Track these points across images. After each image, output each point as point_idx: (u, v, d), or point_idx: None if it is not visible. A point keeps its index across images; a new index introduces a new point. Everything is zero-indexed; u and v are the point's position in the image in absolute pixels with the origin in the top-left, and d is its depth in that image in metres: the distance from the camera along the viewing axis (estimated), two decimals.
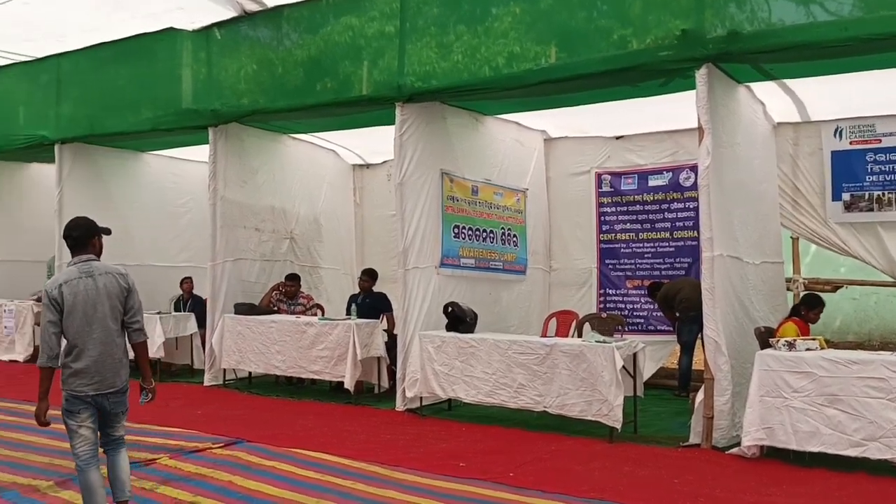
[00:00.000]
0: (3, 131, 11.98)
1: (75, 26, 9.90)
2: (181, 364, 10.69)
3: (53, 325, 4.30)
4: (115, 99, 10.64)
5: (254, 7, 9.09)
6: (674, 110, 7.91)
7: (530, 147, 10.26)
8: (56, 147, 11.35)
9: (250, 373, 9.62)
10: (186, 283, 11.17)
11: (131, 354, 4.65)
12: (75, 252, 4.50)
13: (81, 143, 11.42)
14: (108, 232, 4.74)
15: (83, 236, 4.50)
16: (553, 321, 9.47)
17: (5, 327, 11.91)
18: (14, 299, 12.09)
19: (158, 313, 10.21)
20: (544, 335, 8.61)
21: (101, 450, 4.59)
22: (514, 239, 9.78)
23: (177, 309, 11.01)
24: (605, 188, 10.27)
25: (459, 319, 7.82)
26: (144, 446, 6.54)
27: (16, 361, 11.59)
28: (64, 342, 4.34)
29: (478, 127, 9.28)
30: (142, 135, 10.76)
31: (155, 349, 9.86)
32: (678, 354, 9.23)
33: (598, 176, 10.31)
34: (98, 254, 4.56)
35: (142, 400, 4.77)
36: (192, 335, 10.50)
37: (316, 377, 8.89)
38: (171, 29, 9.81)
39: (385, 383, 8.79)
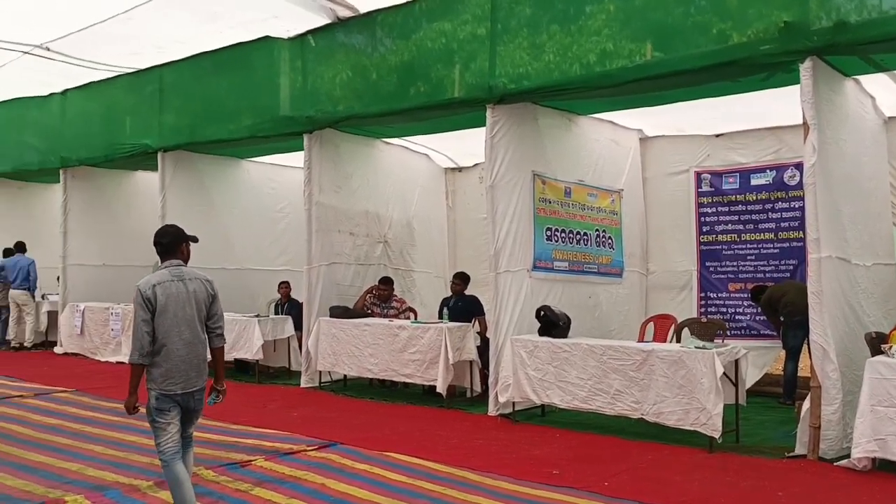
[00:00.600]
0: (110, 140, 12.48)
1: (175, 39, 10.20)
2: (279, 366, 10.87)
3: (146, 324, 4.49)
4: (214, 107, 10.94)
5: (346, 13, 9.16)
6: (776, 106, 7.59)
7: (625, 146, 10.04)
8: (159, 155, 11.75)
9: (345, 375, 9.70)
10: (283, 287, 11.38)
11: None
12: (164, 257, 4.77)
13: (183, 151, 11.79)
14: (195, 239, 4.99)
15: (172, 243, 4.81)
16: (650, 326, 9.22)
17: (112, 330, 12.36)
18: (121, 303, 12.56)
19: (257, 316, 10.42)
20: (641, 340, 8.38)
21: None
22: (609, 241, 9.57)
23: (276, 312, 11.22)
24: (705, 188, 9.96)
25: (552, 324, 7.68)
26: (242, 448, 6.67)
27: (122, 363, 11.99)
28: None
29: (570, 127, 9.13)
30: (240, 142, 11.03)
31: (254, 351, 10.09)
32: (783, 360, 8.85)
33: (698, 175, 10.01)
34: (186, 260, 4.81)
35: (211, 400, 4.94)
36: (289, 338, 10.66)
37: (408, 381, 8.89)
38: (266, 38, 10.01)
39: (478, 387, 8.72)
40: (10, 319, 13.73)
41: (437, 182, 12.66)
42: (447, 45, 8.36)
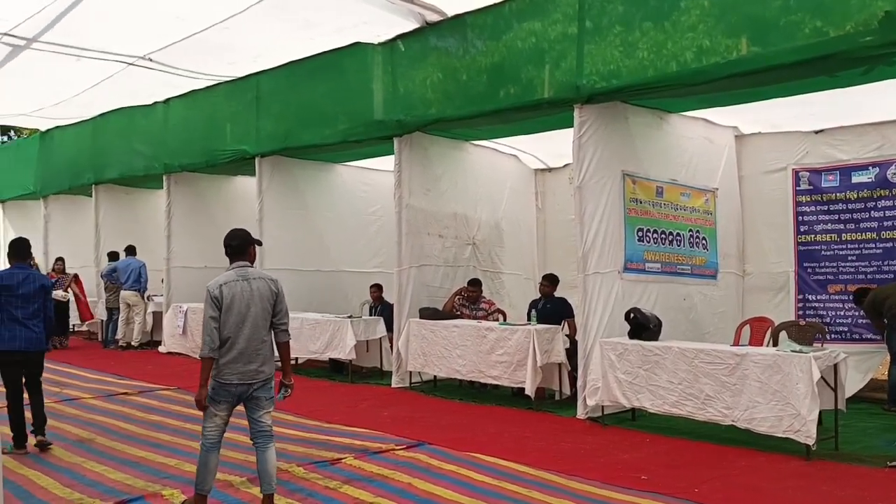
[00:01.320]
0: (211, 147, 12.92)
1: (270, 47, 10.50)
2: (371, 366, 11.04)
3: (214, 321, 4.91)
4: (308, 113, 11.19)
5: (434, 17, 9.25)
6: (879, 100, 7.27)
7: (720, 144, 9.79)
8: (256, 160, 12.10)
9: (435, 376, 9.77)
10: (374, 290, 11.53)
11: None
12: (233, 259, 5.17)
13: (279, 156, 12.11)
14: (259, 243, 5.41)
15: (241, 246, 5.20)
16: (746, 329, 8.95)
17: (178, 325, 12.84)
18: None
19: (350, 317, 10.61)
20: (736, 343, 8.15)
21: (251, 441, 5.18)
22: (703, 242, 9.35)
23: (369, 314, 11.39)
24: (804, 186, 9.61)
25: (643, 326, 7.56)
26: (332, 446, 6.81)
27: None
28: None
29: (662, 125, 8.96)
30: (333, 147, 11.26)
31: (347, 352, 10.28)
32: (888, 365, 8.46)
33: (796, 173, 9.67)
34: (252, 261, 5.21)
35: (280, 396, 5.26)
36: (381, 338, 10.81)
37: (496, 382, 8.89)
38: (358, 44, 10.19)
39: (566, 390, 8.66)
40: (120, 320, 14.36)
41: (526, 183, 12.62)
42: (537, 44, 8.33)
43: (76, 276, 15.11)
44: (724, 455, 6.49)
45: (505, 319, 9.98)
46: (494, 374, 8.74)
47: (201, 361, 4.96)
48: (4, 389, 6.97)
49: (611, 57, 7.70)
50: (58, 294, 13.62)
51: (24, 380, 7.02)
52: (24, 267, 7.01)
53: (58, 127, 16.81)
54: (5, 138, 25.98)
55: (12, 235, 19.71)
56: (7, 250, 7.22)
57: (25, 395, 7.01)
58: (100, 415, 8.35)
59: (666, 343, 7.32)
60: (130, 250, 14.31)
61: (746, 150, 10.10)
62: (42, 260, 17.52)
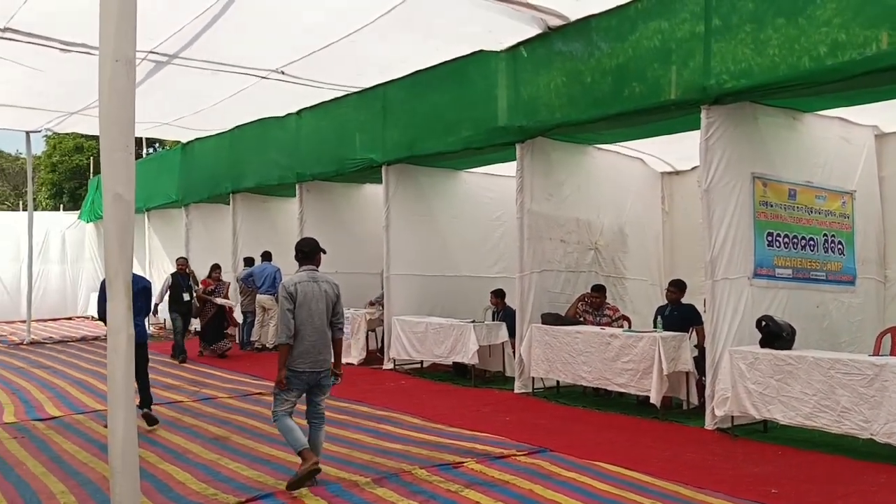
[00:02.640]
0: (341, 156, 13.30)
1: (395, 57, 10.72)
2: (494, 371, 11.08)
3: (290, 312, 5.78)
4: (433, 121, 11.36)
5: (557, 22, 9.21)
6: None
7: (858, 144, 9.31)
8: (383, 168, 12.38)
9: (558, 381, 9.71)
10: (494, 296, 11.54)
11: None
12: (303, 263, 6.04)
13: (405, 164, 12.35)
14: (324, 251, 6.21)
15: (311, 252, 6.08)
16: (887, 338, 8.45)
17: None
18: (350, 307, 13.32)
19: (472, 322, 10.70)
20: (876, 353, 7.72)
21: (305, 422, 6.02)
22: (839, 246, 8.90)
23: (492, 319, 11.43)
24: None
25: (775, 335, 7.27)
26: (454, 449, 6.87)
27: (350, 364, 12.73)
28: None
29: (795, 125, 8.61)
30: (457, 154, 11.38)
31: (470, 356, 10.37)
32: None
33: None
34: (318, 265, 6.09)
35: (331, 381, 6.10)
36: (503, 343, 10.84)
37: (621, 390, 8.75)
38: (481, 51, 10.28)
39: (694, 400, 8.43)
40: (256, 322, 14.99)
41: (651, 187, 12.37)
42: (663, 44, 8.16)
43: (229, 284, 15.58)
44: (861, 470, 6.16)
45: (630, 326, 9.81)
46: (620, 382, 8.61)
47: (280, 349, 5.82)
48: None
49: (740, 55, 7.45)
50: (221, 301, 14.20)
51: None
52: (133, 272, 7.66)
53: (198, 139, 17.75)
54: (151, 150, 27.55)
55: (157, 243, 20.97)
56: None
57: None
58: (235, 414, 8.74)
59: (800, 352, 7.01)
60: (266, 256, 14.89)
61: (888, 150, 9.59)
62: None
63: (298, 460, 5.96)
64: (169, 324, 19.31)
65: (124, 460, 2.80)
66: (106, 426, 3.48)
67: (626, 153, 11.57)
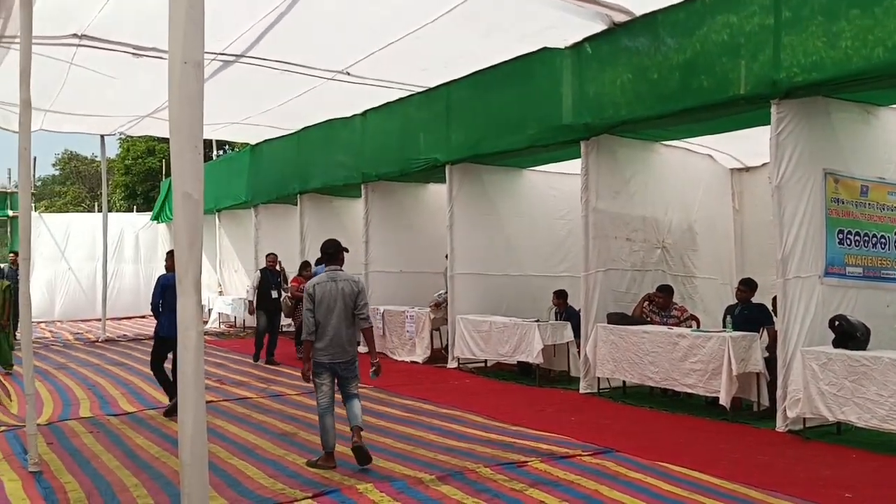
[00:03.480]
0: (405, 156, 13.38)
1: (459, 53, 10.71)
2: (559, 370, 11.00)
3: (310, 312, 6.40)
4: (496, 120, 11.33)
5: (622, 18, 9.11)
6: None
7: None
8: (447, 168, 12.41)
9: (624, 382, 9.60)
10: (556, 297, 11.44)
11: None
12: (328, 263, 6.63)
13: (468, 163, 12.35)
14: (347, 250, 6.84)
15: (334, 253, 6.64)
16: None
17: (407, 331, 13.22)
18: (415, 306, 13.40)
19: (536, 321, 10.64)
20: None
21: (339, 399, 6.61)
22: None
23: (556, 318, 11.36)
24: None
25: (848, 335, 7.05)
26: (519, 448, 6.85)
27: (416, 362, 12.81)
28: None
29: (869, 120, 8.33)
30: (521, 152, 11.35)
31: (534, 355, 10.32)
32: None
33: None
34: (341, 264, 6.65)
35: (372, 375, 6.63)
36: (568, 343, 10.75)
37: (689, 391, 8.60)
38: (545, 49, 10.22)
39: (765, 401, 8.22)
40: None
41: (721, 183, 12.14)
42: (732, 38, 7.99)
43: None
44: None
45: (698, 326, 9.63)
46: (689, 383, 8.46)
47: (304, 344, 6.57)
48: (152, 365, 8.97)
49: (811, 48, 7.25)
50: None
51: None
52: None
53: (266, 140, 18.06)
54: (220, 152, 28.14)
55: (227, 242, 21.40)
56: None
57: None
58: (302, 410, 8.86)
59: (875, 353, 6.79)
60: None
61: None
62: (253, 265, 18.87)
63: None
64: (239, 322, 19.79)
65: (193, 454, 2.86)
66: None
67: (694, 149, 11.37)
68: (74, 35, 10.04)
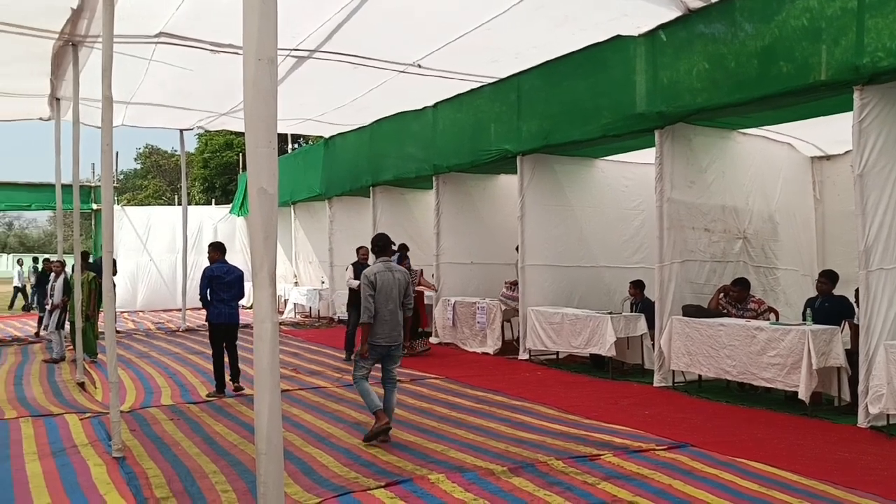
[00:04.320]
0: (476, 147, 13.38)
1: (530, 44, 10.67)
2: (632, 363, 10.88)
3: (371, 297, 6.94)
4: (567, 110, 11.23)
5: (697, 4, 8.93)
6: None
7: None
8: (518, 158, 12.37)
9: (700, 375, 9.43)
10: (633, 287, 11.30)
11: None
12: (379, 255, 7.31)
13: (540, 154, 12.28)
14: (394, 244, 7.54)
15: (385, 246, 7.35)
16: None
17: (478, 322, 13.24)
18: (486, 297, 13.41)
19: (610, 313, 10.53)
20: None
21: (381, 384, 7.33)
22: None
23: (630, 310, 11.23)
24: None
25: None
26: (591, 442, 6.80)
27: (487, 354, 12.83)
28: None
29: None
30: (593, 142, 11.23)
31: (607, 348, 10.23)
32: None
33: None
34: (391, 256, 7.45)
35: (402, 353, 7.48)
36: (642, 336, 10.62)
37: (767, 385, 8.39)
38: (618, 37, 10.08)
39: (846, 396, 7.98)
40: None
41: (802, 172, 11.81)
42: (812, 23, 7.77)
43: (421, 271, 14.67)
44: None
45: (777, 318, 9.40)
46: (767, 377, 8.26)
47: (362, 327, 7.05)
48: (213, 349, 9.69)
49: None
50: (420, 287, 13.80)
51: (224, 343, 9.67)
52: (226, 262, 9.72)
53: (339, 134, 18.30)
54: (295, 146, 28.61)
55: (302, 235, 21.77)
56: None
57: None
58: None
59: None
60: (403, 248, 15.09)
61: None
62: (327, 256, 19.16)
63: (437, 447, 6.18)
64: (314, 312, 20.12)
65: (269, 443, 2.92)
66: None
67: (772, 137, 11.08)
68: (154, 34, 10.32)
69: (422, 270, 14.43)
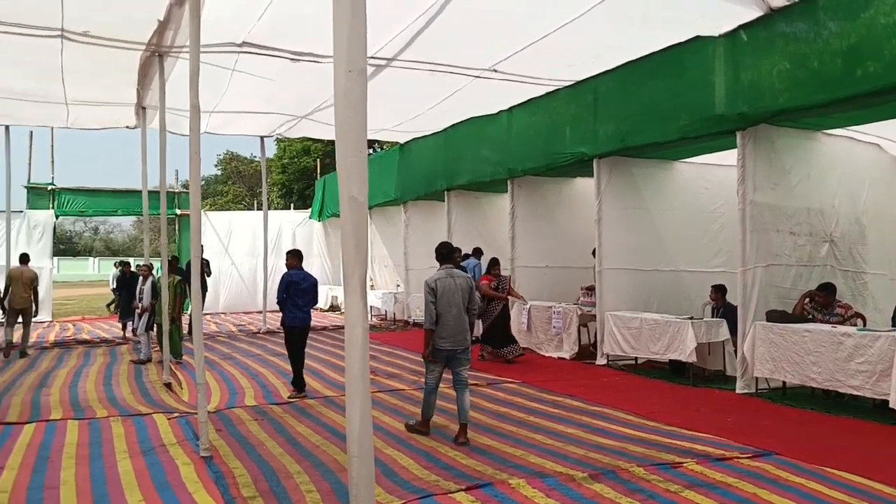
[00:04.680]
0: (551, 151, 13.35)
1: (607, 46, 10.57)
2: (714, 369, 10.67)
3: (433, 304, 7.21)
4: (646, 112, 11.11)
5: (780, 3, 8.73)
6: None
7: None
8: (594, 162, 12.28)
9: (784, 382, 9.20)
10: (714, 292, 11.08)
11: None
12: (442, 262, 7.53)
13: (617, 157, 12.17)
14: (459, 251, 7.28)
15: (448, 254, 7.62)
16: None
17: (554, 327, 13.17)
18: (562, 302, 13.33)
19: (690, 318, 10.36)
20: None
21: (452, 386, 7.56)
22: None
23: (711, 315, 11.03)
24: None
25: None
26: (673, 449, 6.72)
27: (563, 358, 12.75)
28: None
29: None
30: (671, 144, 11.08)
31: (687, 353, 10.07)
32: None
33: None
34: (454, 263, 7.79)
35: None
36: (724, 341, 10.41)
37: (855, 393, 8.14)
38: (697, 37, 9.93)
39: None
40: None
41: (890, 173, 11.42)
42: None
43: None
44: None
45: (865, 324, 9.11)
46: (854, 384, 8.02)
47: (425, 331, 7.31)
48: (289, 351, 10.00)
49: None
50: (512, 296, 13.34)
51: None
52: (303, 269, 10.04)
53: (414, 139, 18.46)
54: (371, 151, 28.98)
55: (378, 239, 22.02)
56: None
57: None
58: (452, 403, 9.00)
59: None
60: (476, 252, 15.09)
61: None
62: (402, 260, 19.34)
63: (515, 451, 6.43)
64: (390, 315, 20.32)
65: (361, 446, 2.99)
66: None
67: (858, 138, 10.75)
68: (237, 43, 10.60)
69: (510, 276, 13.98)
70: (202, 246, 11.42)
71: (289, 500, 5.56)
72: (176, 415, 8.62)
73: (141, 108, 13.98)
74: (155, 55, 10.84)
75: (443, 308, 7.23)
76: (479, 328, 12.82)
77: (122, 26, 9.86)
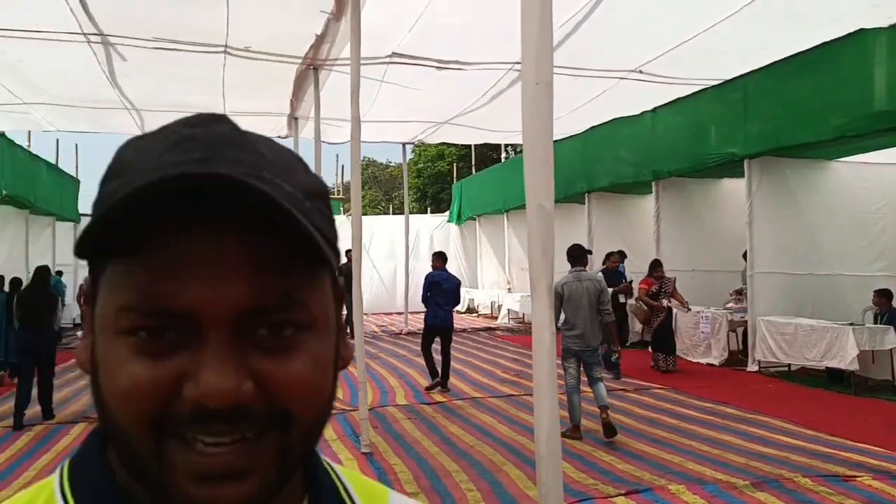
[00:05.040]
0: (697, 151, 13.04)
1: (759, 45, 10.30)
2: (879, 379, 10.14)
3: (557, 308, 7.13)
4: (800, 110, 10.69)
5: None
6: None
7: None
8: (745, 162, 11.91)
9: None
10: (878, 296, 10.55)
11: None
12: (573, 265, 7.73)
13: (768, 157, 11.76)
14: (590, 252, 7.74)
15: (579, 256, 7.80)
16: None
17: (702, 332, 12.84)
18: (710, 307, 13.01)
19: (851, 324, 9.91)
20: None
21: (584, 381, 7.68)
22: None
23: (874, 321, 10.51)
24: None
25: None
26: (839, 461, 6.48)
27: (711, 364, 12.43)
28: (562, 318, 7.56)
29: None
30: (828, 143, 10.62)
31: (847, 361, 9.64)
32: None
33: None
34: (585, 265, 7.97)
35: (613, 359, 8.89)
36: (891, 350, 9.90)
37: None
38: (860, 31, 9.49)
39: None
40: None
41: None
42: None
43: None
44: None
45: None
46: None
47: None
48: (423, 345, 10.57)
49: None
50: (671, 303, 12.33)
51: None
52: (447, 271, 10.59)
53: (554, 142, 18.34)
54: (504, 155, 29.10)
55: (515, 242, 22.12)
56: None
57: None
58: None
59: None
60: (621, 255, 14.72)
61: None
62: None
63: (673, 458, 6.26)
64: (528, 318, 20.35)
65: (549, 447, 3.07)
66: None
67: None
68: (387, 54, 10.94)
69: (675, 279, 12.67)
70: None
71: (450, 497, 5.72)
72: (334, 412, 8.95)
73: (293, 119, 14.60)
74: (310, 68, 11.31)
75: (570, 311, 7.51)
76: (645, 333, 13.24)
77: (281, 41, 10.36)
